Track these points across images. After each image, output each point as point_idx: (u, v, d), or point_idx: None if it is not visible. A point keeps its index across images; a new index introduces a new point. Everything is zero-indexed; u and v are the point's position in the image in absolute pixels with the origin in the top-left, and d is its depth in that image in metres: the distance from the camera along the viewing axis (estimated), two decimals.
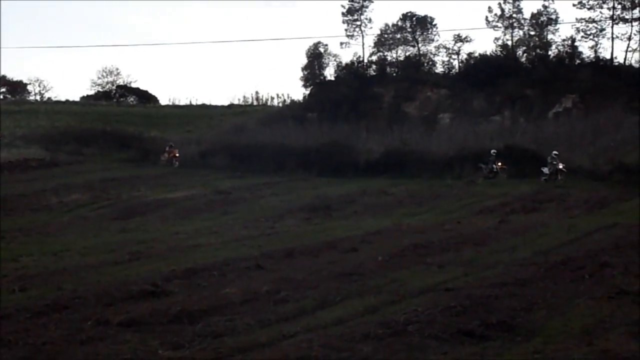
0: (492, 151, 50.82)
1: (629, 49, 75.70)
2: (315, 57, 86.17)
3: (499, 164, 50.22)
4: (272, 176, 51.85)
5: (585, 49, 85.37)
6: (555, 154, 48.36)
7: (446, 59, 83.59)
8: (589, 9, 76.44)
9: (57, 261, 23.67)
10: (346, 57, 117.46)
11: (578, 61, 76.98)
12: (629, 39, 75.42)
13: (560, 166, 47.73)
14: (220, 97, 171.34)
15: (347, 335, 13.72)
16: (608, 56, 76.42)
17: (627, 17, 75.96)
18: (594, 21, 76.45)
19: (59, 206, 39.47)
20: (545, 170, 48.13)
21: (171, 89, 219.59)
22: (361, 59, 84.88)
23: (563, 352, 12.61)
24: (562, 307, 15.87)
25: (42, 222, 34.54)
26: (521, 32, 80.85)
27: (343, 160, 54.02)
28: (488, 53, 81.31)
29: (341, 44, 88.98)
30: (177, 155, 57.04)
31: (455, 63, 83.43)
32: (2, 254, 24.90)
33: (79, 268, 21.86)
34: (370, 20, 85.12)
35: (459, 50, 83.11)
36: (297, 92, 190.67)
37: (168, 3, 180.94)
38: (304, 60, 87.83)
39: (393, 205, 39.56)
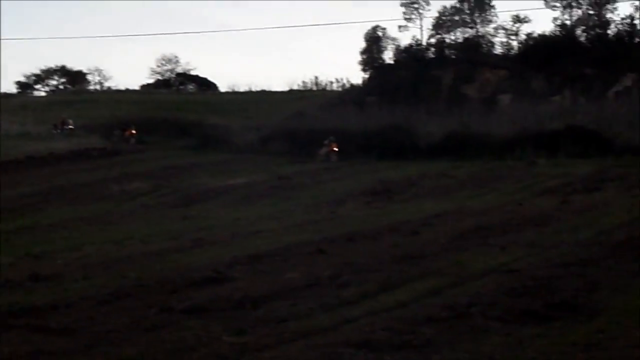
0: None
1: None
2: (374, 41, 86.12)
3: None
4: (332, 161, 51.91)
5: None
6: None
7: (505, 40, 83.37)
8: None
9: (120, 249, 23.84)
10: (404, 40, 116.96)
11: (638, 39, 76.06)
12: None
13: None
14: (279, 82, 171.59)
15: (410, 318, 13.70)
16: None
17: None
18: None
19: (120, 195, 39.69)
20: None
21: (230, 76, 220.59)
22: (419, 42, 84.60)
23: (627, 331, 12.51)
24: (626, 287, 15.74)
25: (104, 210, 34.80)
26: (580, 12, 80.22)
27: (403, 144, 53.63)
28: (547, 33, 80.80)
29: (399, 27, 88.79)
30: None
31: (514, 44, 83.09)
32: (65, 243, 25.17)
33: (141, 256, 21.99)
34: (428, 3, 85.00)
35: (518, 31, 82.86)
36: (357, 76, 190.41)
37: None
38: (363, 44, 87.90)
39: (454, 187, 39.31)
